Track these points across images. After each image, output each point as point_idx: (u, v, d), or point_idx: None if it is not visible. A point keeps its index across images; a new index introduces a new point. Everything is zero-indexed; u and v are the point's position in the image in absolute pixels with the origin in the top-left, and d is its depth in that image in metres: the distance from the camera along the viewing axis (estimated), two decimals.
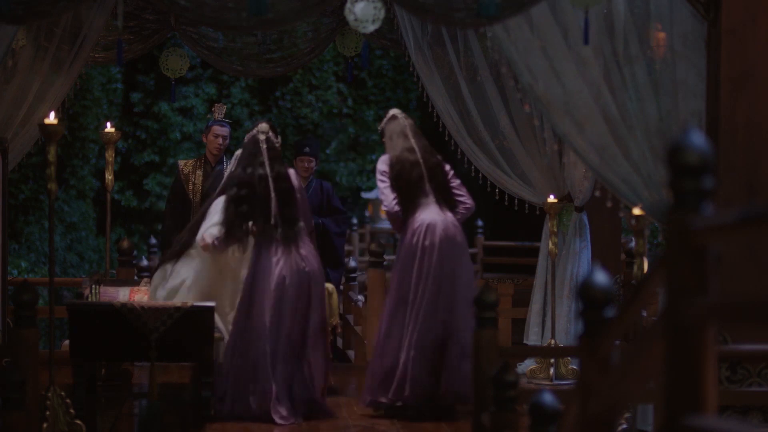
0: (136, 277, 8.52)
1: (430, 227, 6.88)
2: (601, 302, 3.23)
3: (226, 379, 6.76)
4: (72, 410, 6.01)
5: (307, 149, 9.56)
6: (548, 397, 3.58)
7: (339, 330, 7.83)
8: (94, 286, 7.33)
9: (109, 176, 8.20)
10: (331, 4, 6.77)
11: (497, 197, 8.20)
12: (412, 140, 7.08)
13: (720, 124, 5.80)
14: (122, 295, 7.35)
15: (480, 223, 18.26)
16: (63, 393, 6.01)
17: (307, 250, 6.91)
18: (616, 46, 6.06)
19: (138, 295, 7.36)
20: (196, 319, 6.59)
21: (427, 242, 6.86)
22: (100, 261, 15.65)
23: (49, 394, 5.91)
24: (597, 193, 6.94)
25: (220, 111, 8.94)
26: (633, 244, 6.49)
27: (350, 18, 5.78)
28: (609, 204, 6.68)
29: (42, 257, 14.67)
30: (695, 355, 2.65)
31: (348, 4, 5.76)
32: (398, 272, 6.92)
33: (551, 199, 7.85)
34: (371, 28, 5.79)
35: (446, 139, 8.16)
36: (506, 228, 18.87)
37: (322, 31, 8.50)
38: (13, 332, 5.69)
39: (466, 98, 7.98)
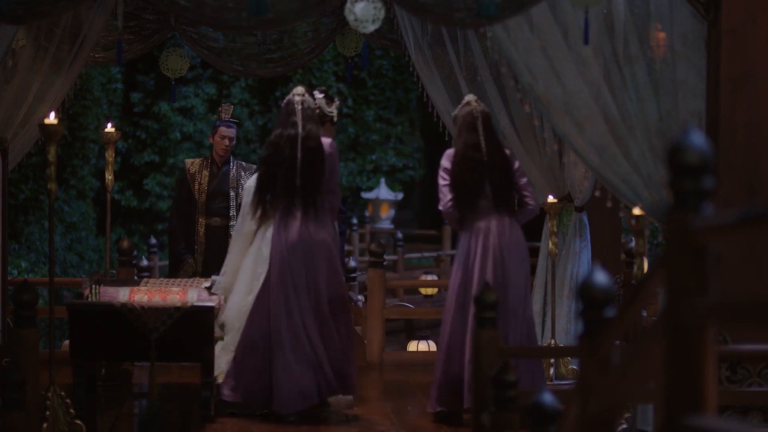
0: (136, 277, 8.53)
1: (485, 233, 6.85)
2: (601, 302, 3.23)
3: (238, 365, 6.73)
4: (72, 410, 6.01)
5: None
6: (548, 397, 3.58)
7: None
8: (94, 286, 7.33)
9: (109, 176, 8.20)
10: (331, 4, 6.77)
11: None
12: (481, 135, 6.92)
13: (720, 124, 5.80)
14: (122, 295, 7.35)
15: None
16: (63, 393, 6.01)
17: (321, 222, 6.84)
18: (616, 46, 6.06)
19: (138, 295, 7.35)
20: (196, 319, 6.59)
21: (480, 249, 6.84)
22: (100, 261, 15.66)
23: (49, 394, 5.91)
24: (597, 193, 6.94)
25: (226, 111, 8.93)
26: (633, 244, 6.50)
27: (350, 18, 5.78)
28: (609, 204, 6.68)
29: (42, 257, 14.67)
30: (695, 355, 2.65)
31: (348, 4, 5.76)
32: (457, 279, 6.90)
33: (551, 199, 7.85)
34: (371, 28, 5.79)
35: (446, 139, 8.16)
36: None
37: (322, 31, 8.50)
38: (13, 332, 5.69)
39: None
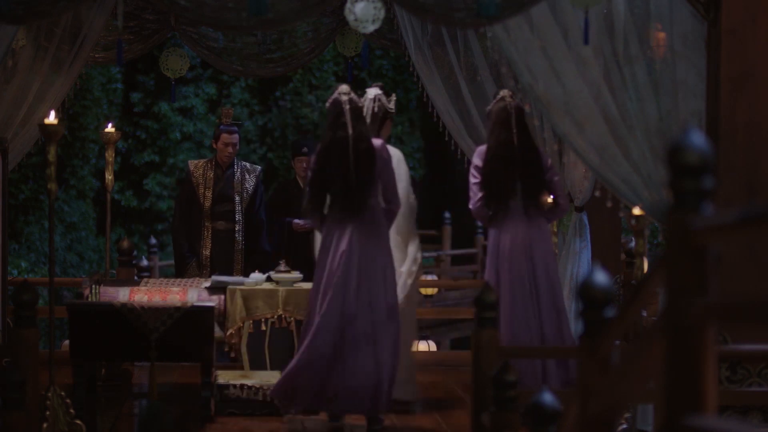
0: (136, 277, 8.52)
1: (513, 232, 6.87)
2: (601, 302, 3.23)
3: (293, 371, 6.56)
4: (72, 410, 6.01)
5: (305, 149, 9.55)
6: (548, 397, 3.58)
7: None
8: (94, 286, 7.33)
9: (109, 176, 8.20)
10: (331, 4, 6.77)
11: None
12: (514, 131, 6.92)
13: (720, 124, 5.80)
14: (122, 295, 7.35)
15: (480, 223, 18.26)
16: (63, 393, 6.01)
17: (377, 228, 6.59)
18: (616, 46, 6.06)
19: (138, 295, 7.35)
20: (196, 319, 6.59)
21: (509, 247, 6.86)
22: (100, 261, 15.66)
23: (49, 394, 5.91)
24: (597, 193, 6.94)
25: (227, 115, 8.89)
26: (633, 244, 6.49)
27: (350, 18, 5.78)
28: (609, 204, 6.68)
29: (42, 257, 14.67)
30: (695, 355, 2.65)
31: (348, 4, 5.76)
32: (491, 278, 6.91)
33: (551, 199, 7.84)
34: (371, 28, 5.79)
35: (446, 139, 8.16)
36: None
37: (322, 31, 8.50)
38: (13, 332, 5.69)
39: (466, 98, 7.98)
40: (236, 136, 8.85)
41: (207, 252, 8.73)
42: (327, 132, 6.64)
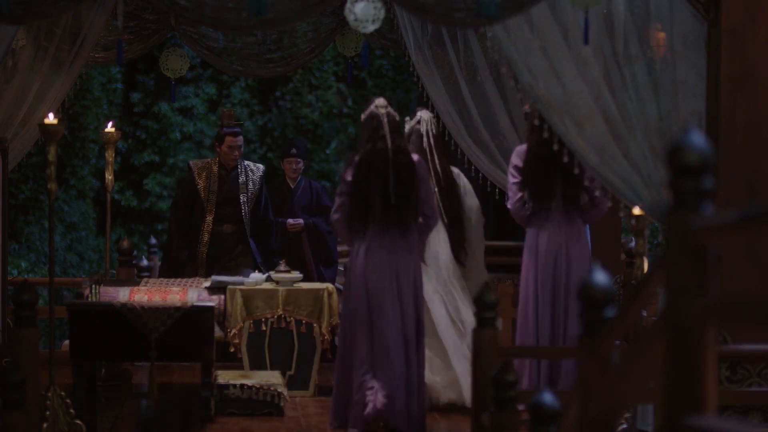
0: (136, 277, 8.52)
1: (552, 231, 6.90)
2: (601, 302, 3.22)
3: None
4: (72, 410, 6.01)
5: (293, 150, 9.59)
6: (548, 397, 3.58)
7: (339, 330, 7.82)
8: (94, 286, 7.33)
9: (109, 176, 8.20)
10: (331, 4, 6.77)
11: (497, 197, 8.19)
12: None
13: (720, 124, 5.79)
14: (122, 295, 7.35)
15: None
16: (63, 393, 6.01)
17: (410, 245, 6.53)
18: (616, 46, 6.05)
19: (138, 295, 7.36)
20: (196, 319, 6.60)
21: (546, 246, 6.90)
22: (100, 261, 15.65)
23: (49, 394, 5.91)
24: (597, 193, 6.94)
25: (229, 117, 8.85)
26: (633, 244, 6.49)
27: (350, 18, 5.78)
28: (609, 204, 6.68)
29: (42, 257, 14.66)
30: (695, 355, 2.65)
31: (348, 4, 5.76)
32: (530, 277, 6.96)
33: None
34: (371, 28, 5.79)
35: (446, 139, 8.15)
36: (506, 228, 18.86)
37: (322, 31, 8.50)
38: (13, 332, 5.69)
39: (466, 98, 7.97)
40: (241, 138, 8.82)
41: (204, 254, 8.68)
42: (366, 144, 6.58)
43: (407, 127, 7.58)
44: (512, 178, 6.99)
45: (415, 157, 6.66)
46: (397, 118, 6.75)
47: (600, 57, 6.06)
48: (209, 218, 8.66)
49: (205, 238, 8.66)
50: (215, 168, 8.74)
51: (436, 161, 7.49)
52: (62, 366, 6.92)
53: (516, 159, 7.00)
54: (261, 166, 9.07)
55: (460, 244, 7.48)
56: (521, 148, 7.05)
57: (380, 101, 6.73)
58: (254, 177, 8.79)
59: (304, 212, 9.37)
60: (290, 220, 9.23)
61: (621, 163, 6.06)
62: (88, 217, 16.26)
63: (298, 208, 9.42)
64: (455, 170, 7.68)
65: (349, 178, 6.57)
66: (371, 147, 6.53)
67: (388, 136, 6.54)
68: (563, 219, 6.90)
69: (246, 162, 9.03)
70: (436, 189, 7.32)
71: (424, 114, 7.61)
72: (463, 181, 7.65)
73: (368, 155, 6.52)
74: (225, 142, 8.72)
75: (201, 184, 8.70)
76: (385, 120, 6.59)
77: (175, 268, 8.70)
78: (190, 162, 9.11)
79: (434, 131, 7.52)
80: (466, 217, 7.54)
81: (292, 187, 9.49)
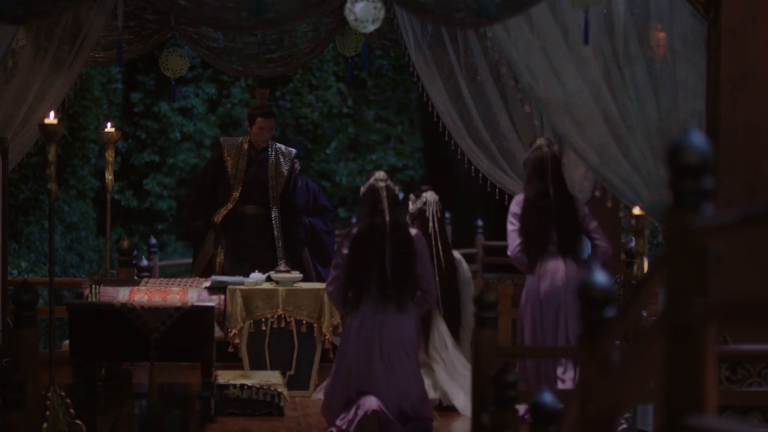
0: (136, 277, 8.52)
1: (552, 275, 6.93)
2: (601, 302, 3.22)
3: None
4: (72, 410, 6.01)
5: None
6: (548, 397, 3.58)
7: (340, 330, 7.84)
8: (94, 286, 7.33)
9: (109, 176, 8.20)
10: (331, 4, 6.77)
11: (497, 197, 8.20)
12: (550, 180, 7.02)
13: (720, 124, 5.79)
14: (122, 295, 7.35)
15: (480, 223, 18.26)
16: (63, 393, 6.01)
17: (407, 316, 6.50)
18: (616, 46, 6.06)
19: (138, 295, 7.36)
20: (196, 319, 6.59)
21: (545, 291, 6.93)
22: (100, 261, 15.65)
23: (49, 394, 5.91)
24: (597, 193, 6.94)
25: (262, 97, 8.72)
26: (633, 244, 6.49)
27: (350, 18, 5.78)
28: (609, 204, 6.68)
29: (42, 257, 14.66)
30: (695, 355, 2.65)
31: (348, 4, 5.76)
32: (527, 321, 6.98)
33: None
34: (371, 28, 5.79)
35: (446, 139, 8.15)
36: (506, 228, 18.86)
37: (322, 31, 8.49)
38: (13, 332, 5.69)
39: (466, 98, 7.97)
40: (273, 120, 8.66)
41: (231, 236, 8.51)
42: (364, 218, 6.59)
43: (412, 207, 7.65)
44: (511, 225, 7.08)
45: (413, 231, 6.67)
46: (397, 191, 6.78)
47: (600, 57, 6.06)
48: (234, 198, 8.52)
49: (230, 218, 8.50)
50: (245, 147, 8.61)
51: (440, 247, 7.55)
52: (62, 366, 6.92)
53: (514, 206, 7.10)
54: (293, 150, 8.92)
55: (455, 331, 7.57)
56: (519, 197, 7.14)
57: (380, 174, 6.74)
58: (285, 161, 8.67)
59: (301, 212, 9.36)
60: None
61: (621, 163, 6.06)
62: (88, 217, 16.25)
63: None
64: (457, 256, 7.78)
65: (345, 251, 6.56)
66: (369, 221, 6.55)
67: (386, 211, 6.56)
68: (562, 265, 6.94)
69: (278, 144, 8.87)
70: (437, 278, 7.33)
71: (430, 196, 7.68)
72: (463, 267, 7.74)
73: (366, 229, 6.54)
74: (256, 123, 8.61)
75: (230, 162, 8.56)
76: (384, 194, 6.60)
77: (191, 238, 8.64)
78: (221, 139, 8.96)
79: (439, 215, 7.62)
80: (463, 305, 7.60)
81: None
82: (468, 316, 7.61)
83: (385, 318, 6.45)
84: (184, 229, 8.97)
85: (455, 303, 7.59)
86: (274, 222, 8.59)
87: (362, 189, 6.76)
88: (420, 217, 7.61)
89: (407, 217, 7.63)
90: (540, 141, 7.19)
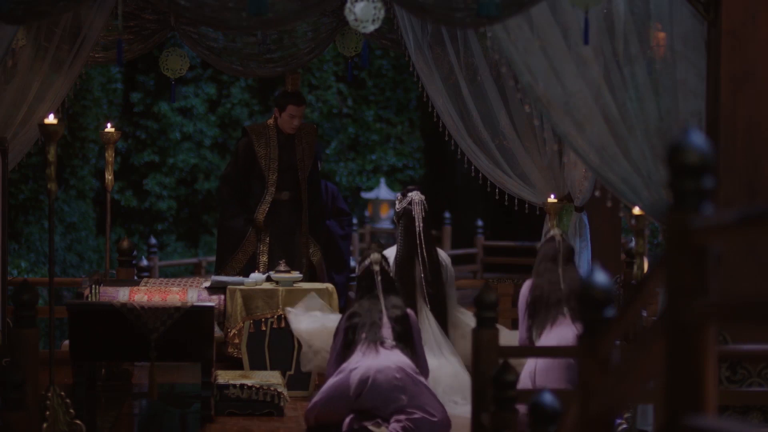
0: (135, 277, 8.52)
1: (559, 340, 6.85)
2: (601, 302, 3.22)
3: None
4: (72, 410, 6.01)
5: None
6: (548, 397, 3.58)
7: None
8: (94, 286, 7.33)
9: (109, 176, 8.20)
10: (331, 4, 6.77)
11: (497, 197, 8.20)
12: (560, 270, 6.99)
13: (720, 124, 5.80)
14: (122, 295, 7.35)
15: (480, 223, 18.27)
16: (63, 393, 6.01)
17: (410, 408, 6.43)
18: (616, 46, 6.06)
19: (138, 295, 7.36)
20: (196, 319, 6.59)
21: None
22: (99, 261, 15.66)
23: (49, 394, 5.91)
24: (597, 193, 6.94)
25: (294, 83, 8.62)
26: (633, 244, 6.50)
27: (350, 18, 5.78)
28: (609, 204, 6.68)
29: (42, 257, 14.67)
30: (695, 355, 2.65)
31: (348, 4, 5.76)
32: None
33: (551, 199, 7.85)
34: (371, 28, 5.79)
35: (446, 139, 8.16)
36: (506, 228, 18.88)
37: (322, 31, 8.49)
38: (13, 332, 5.69)
39: (466, 98, 7.97)
40: (304, 107, 8.55)
41: (267, 224, 8.41)
42: (361, 301, 6.66)
43: (398, 206, 7.75)
44: (521, 313, 7.08)
45: (409, 312, 6.74)
46: (392, 273, 6.91)
47: (600, 57, 6.06)
48: (271, 186, 8.42)
49: (264, 208, 8.39)
50: (273, 132, 8.52)
51: (424, 246, 7.62)
52: (62, 366, 6.92)
53: (525, 290, 7.14)
54: (313, 124, 8.80)
55: (445, 325, 7.62)
56: (529, 282, 7.14)
57: (375, 257, 6.79)
58: (304, 141, 8.61)
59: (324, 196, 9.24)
60: None
61: (621, 163, 6.06)
62: (88, 217, 16.26)
63: None
64: (443, 255, 7.85)
65: (341, 335, 6.64)
66: (364, 304, 6.63)
67: (381, 296, 6.64)
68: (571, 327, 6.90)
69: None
70: (422, 275, 7.51)
71: (415, 196, 7.74)
72: (449, 269, 7.84)
73: (360, 310, 6.62)
74: (287, 110, 8.49)
75: (260, 149, 8.45)
76: (379, 279, 6.69)
77: (228, 238, 8.45)
78: (246, 126, 8.81)
79: (424, 214, 7.68)
80: (449, 297, 7.72)
81: None
82: (454, 315, 7.70)
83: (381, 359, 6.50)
84: (220, 229, 8.75)
85: (442, 302, 7.64)
86: (302, 206, 8.50)
87: (358, 271, 6.90)
88: (406, 215, 7.66)
89: (393, 216, 7.70)
90: (554, 231, 7.21)
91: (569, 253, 7.06)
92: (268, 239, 8.42)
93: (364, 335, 6.52)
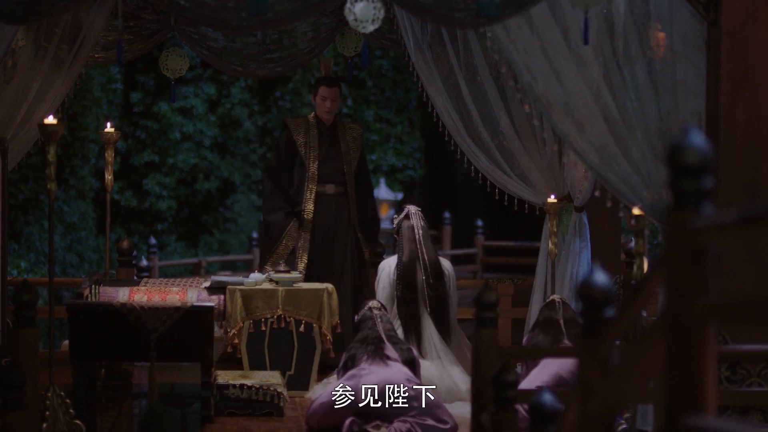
0: (135, 277, 8.52)
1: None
2: (601, 302, 3.22)
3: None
4: (72, 410, 6.01)
5: None
6: (548, 397, 3.58)
7: (339, 329, 7.84)
8: (93, 286, 7.33)
9: (108, 176, 8.19)
10: (331, 4, 6.77)
11: (497, 197, 8.20)
12: (562, 331, 7.02)
13: (720, 124, 5.80)
14: (122, 295, 7.35)
15: (480, 223, 18.27)
16: (63, 393, 6.01)
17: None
18: (616, 46, 6.06)
19: (138, 295, 7.36)
20: (196, 319, 6.59)
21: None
22: (99, 261, 15.66)
23: (49, 394, 5.91)
24: (597, 193, 6.94)
25: (327, 66, 8.58)
26: (633, 244, 6.49)
27: (350, 18, 5.78)
28: (609, 204, 6.68)
29: (42, 257, 14.66)
30: (695, 355, 2.65)
31: (348, 4, 5.76)
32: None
33: (551, 199, 7.85)
34: (371, 28, 5.79)
35: (446, 139, 8.16)
36: (506, 228, 18.89)
37: (322, 31, 8.49)
38: (13, 332, 5.69)
39: (466, 98, 7.97)
40: (337, 89, 8.45)
41: (310, 220, 8.31)
42: (361, 347, 6.71)
43: (396, 221, 7.88)
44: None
45: (414, 351, 6.86)
46: (390, 317, 7.05)
47: (600, 57, 6.06)
48: (312, 178, 8.35)
49: (308, 206, 8.32)
50: (313, 123, 8.45)
51: (425, 252, 7.73)
52: (62, 366, 6.92)
53: (525, 342, 7.23)
54: (359, 128, 8.82)
55: (445, 332, 7.68)
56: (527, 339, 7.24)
57: (374, 303, 7.00)
58: (349, 138, 8.57)
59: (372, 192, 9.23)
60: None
61: (621, 163, 6.06)
62: (87, 217, 16.26)
63: None
64: (445, 264, 7.92)
65: (342, 370, 6.71)
66: (373, 350, 6.69)
67: (382, 334, 6.75)
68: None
69: (341, 120, 8.70)
70: (423, 277, 7.65)
71: (412, 208, 7.93)
72: (451, 277, 7.93)
73: (360, 353, 6.69)
74: (319, 93, 8.45)
75: (300, 140, 8.38)
76: (379, 320, 6.84)
77: (269, 232, 8.36)
78: (286, 119, 8.75)
79: (423, 223, 7.82)
80: (450, 304, 7.81)
81: None
82: (453, 316, 7.80)
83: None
84: (262, 223, 8.65)
85: (444, 305, 7.68)
86: (349, 201, 8.45)
87: (356, 318, 7.01)
88: (405, 226, 7.79)
89: (393, 230, 7.78)
90: (555, 297, 7.22)
91: (573, 324, 6.99)
92: (309, 235, 8.34)
93: (367, 353, 6.56)
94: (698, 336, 2.66)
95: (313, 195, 8.33)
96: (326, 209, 8.39)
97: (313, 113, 8.55)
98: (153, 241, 14.61)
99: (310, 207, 8.33)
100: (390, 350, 6.62)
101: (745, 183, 5.78)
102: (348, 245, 8.38)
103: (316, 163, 8.35)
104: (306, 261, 8.31)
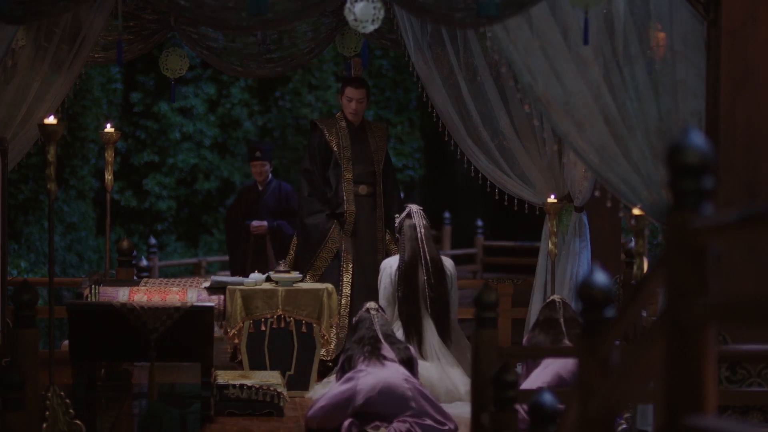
0: (135, 277, 8.52)
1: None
2: (601, 302, 3.22)
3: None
4: (72, 410, 6.01)
5: (258, 154, 9.58)
6: (548, 397, 3.58)
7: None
8: (93, 286, 7.33)
9: (108, 176, 8.19)
10: (331, 4, 6.77)
11: (497, 197, 8.20)
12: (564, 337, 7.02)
13: (720, 124, 5.80)
14: (122, 295, 7.35)
15: (480, 223, 18.27)
16: (63, 393, 6.02)
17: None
18: (616, 46, 6.06)
19: (138, 295, 7.36)
20: (196, 319, 6.59)
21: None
22: (99, 261, 15.66)
23: (49, 394, 5.91)
24: (597, 193, 6.94)
25: (356, 67, 8.53)
26: (633, 244, 6.49)
27: (350, 18, 5.78)
28: (609, 204, 6.68)
29: (42, 257, 14.66)
30: (695, 355, 2.65)
31: (348, 4, 5.76)
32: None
33: (551, 199, 7.85)
34: (371, 28, 5.79)
35: (446, 139, 8.16)
36: (506, 228, 18.89)
37: (322, 31, 8.49)
38: (13, 332, 5.69)
39: (466, 98, 7.97)
40: (363, 91, 8.39)
41: (350, 221, 8.25)
42: (358, 347, 6.70)
43: (398, 221, 7.86)
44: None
45: (412, 350, 6.85)
46: (388, 317, 7.05)
47: (600, 57, 6.06)
48: (347, 176, 8.29)
49: (351, 201, 8.24)
50: (342, 124, 8.40)
51: (426, 251, 7.73)
52: (62, 366, 6.92)
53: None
54: (384, 125, 8.77)
55: (445, 333, 7.68)
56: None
57: (371, 304, 6.97)
58: (380, 133, 8.54)
59: (270, 214, 9.34)
60: (254, 223, 9.26)
61: (621, 163, 6.06)
62: (87, 217, 16.26)
63: (265, 210, 9.39)
64: (447, 263, 7.93)
65: (340, 371, 6.71)
66: (370, 351, 6.68)
67: (379, 334, 6.73)
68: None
69: (368, 120, 8.69)
70: (424, 278, 7.65)
71: (413, 207, 7.92)
72: (452, 275, 7.93)
73: (355, 356, 6.68)
74: (345, 93, 8.41)
75: (333, 140, 8.33)
76: (377, 320, 6.82)
77: (310, 236, 8.25)
78: (315, 120, 8.69)
79: (425, 222, 7.81)
80: (451, 304, 7.80)
81: (261, 189, 9.48)
82: (454, 316, 7.81)
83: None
84: (300, 227, 8.41)
85: (445, 306, 7.69)
86: (377, 200, 8.40)
87: (354, 320, 6.99)
88: (407, 225, 7.77)
89: (395, 227, 7.77)
90: (555, 297, 7.23)
91: (573, 324, 6.97)
92: (351, 238, 8.27)
93: (364, 354, 6.56)
94: (698, 336, 2.66)
95: (352, 196, 8.27)
96: (362, 211, 8.33)
97: (339, 112, 8.52)
98: (153, 241, 14.60)
99: (352, 208, 8.27)
100: (387, 350, 6.63)
101: (745, 183, 5.78)
102: (382, 246, 8.37)
103: (350, 163, 8.31)
104: (351, 266, 8.26)
